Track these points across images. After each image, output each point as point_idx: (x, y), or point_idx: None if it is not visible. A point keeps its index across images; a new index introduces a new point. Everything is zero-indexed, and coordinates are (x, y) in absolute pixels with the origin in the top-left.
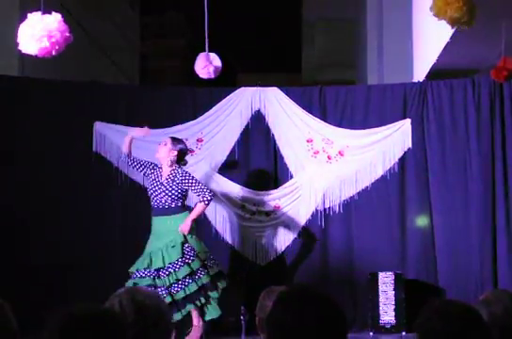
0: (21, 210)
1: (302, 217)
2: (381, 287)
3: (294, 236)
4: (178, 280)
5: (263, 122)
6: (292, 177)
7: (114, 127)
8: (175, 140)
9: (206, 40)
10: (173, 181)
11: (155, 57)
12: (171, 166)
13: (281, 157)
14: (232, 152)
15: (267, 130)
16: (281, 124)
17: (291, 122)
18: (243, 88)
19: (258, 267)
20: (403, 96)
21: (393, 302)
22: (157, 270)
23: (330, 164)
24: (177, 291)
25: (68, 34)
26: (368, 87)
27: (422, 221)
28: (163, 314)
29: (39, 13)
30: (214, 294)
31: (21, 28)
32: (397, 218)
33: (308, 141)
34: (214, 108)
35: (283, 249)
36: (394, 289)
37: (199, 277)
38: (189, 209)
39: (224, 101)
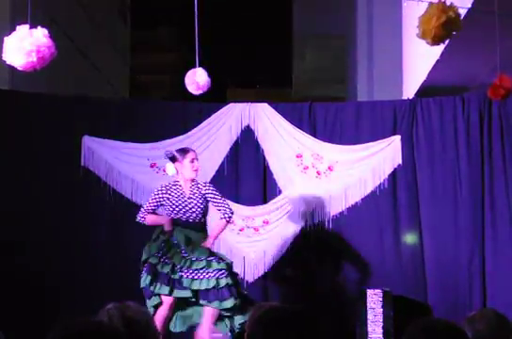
0: (5, 224)
1: (291, 232)
2: (369, 304)
3: (282, 252)
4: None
5: (252, 138)
6: (281, 192)
7: (103, 142)
8: (178, 151)
9: (196, 56)
10: (198, 192)
11: (146, 71)
12: (191, 178)
13: (271, 173)
14: (222, 167)
15: (257, 145)
16: (271, 140)
17: (280, 138)
18: (232, 104)
19: (246, 283)
20: (393, 113)
21: (381, 320)
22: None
23: (320, 179)
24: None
25: (54, 50)
26: (358, 103)
27: (411, 238)
28: (151, 330)
29: (27, 26)
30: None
31: (8, 40)
32: (387, 235)
33: (297, 157)
34: (203, 123)
35: (272, 264)
36: (383, 306)
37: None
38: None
39: (214, 116)
